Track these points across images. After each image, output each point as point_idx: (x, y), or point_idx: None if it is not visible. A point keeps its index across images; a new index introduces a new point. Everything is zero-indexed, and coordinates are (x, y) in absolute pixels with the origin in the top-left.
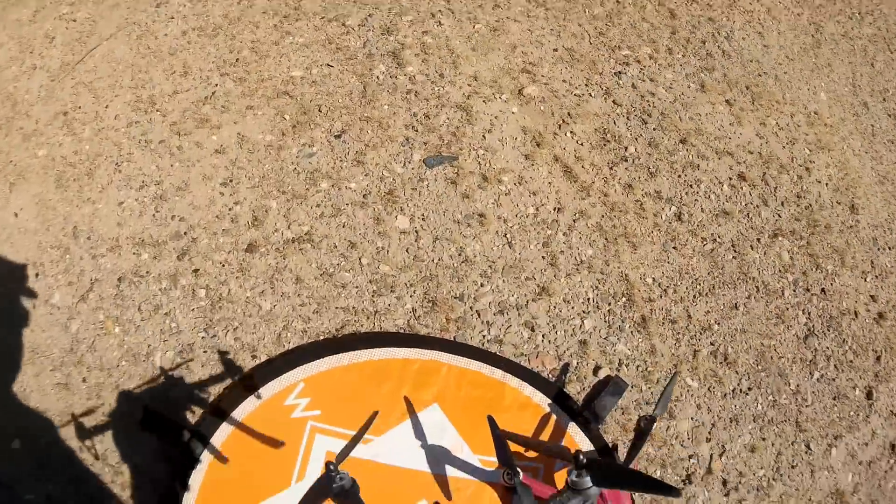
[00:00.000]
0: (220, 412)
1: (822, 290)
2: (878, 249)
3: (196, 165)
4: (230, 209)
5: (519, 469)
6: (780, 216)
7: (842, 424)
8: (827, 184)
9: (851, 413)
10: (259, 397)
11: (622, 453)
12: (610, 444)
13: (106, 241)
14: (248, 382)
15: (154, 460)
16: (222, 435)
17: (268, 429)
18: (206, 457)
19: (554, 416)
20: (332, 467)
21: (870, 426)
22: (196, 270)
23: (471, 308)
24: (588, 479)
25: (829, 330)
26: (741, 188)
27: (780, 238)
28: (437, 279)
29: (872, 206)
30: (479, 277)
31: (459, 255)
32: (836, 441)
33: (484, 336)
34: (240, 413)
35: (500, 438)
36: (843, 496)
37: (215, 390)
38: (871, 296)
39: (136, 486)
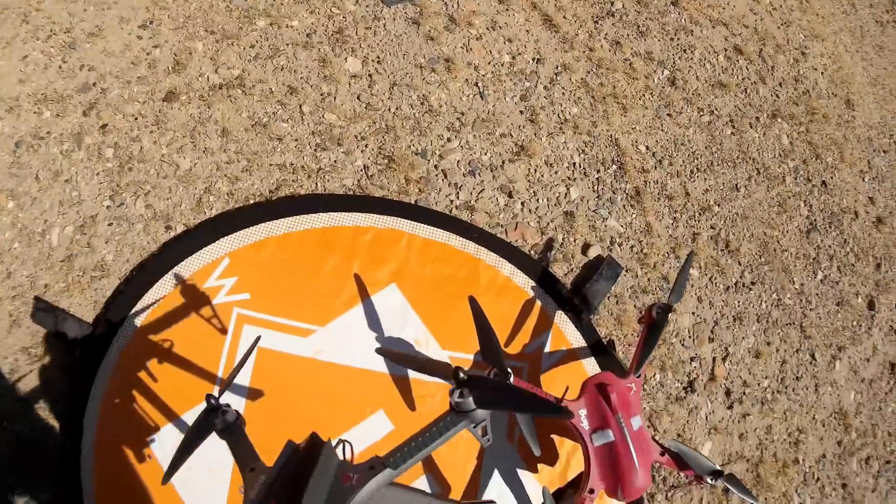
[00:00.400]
0: (126, 301)
1: (823, 182)
2: (874, 151)
3: (112, 8)
4: (148, 54)
5: (510, 370)
6: (778, 97)
7: (845, 335)
8: (823, 73)
9: (854, 323)
10: (174, 280)
11: (621, 352)
12: (605, 340)
13: (4, 102)
14: (159, 262)
15: (54, 364)
16: (129, 330)
17: (184, 320)
18: (110, 359)
19: (538, 303)
20: (213, 400)
21: (871, 340)
22: (104, 126)
23: (435, 167)
24: (472, 399)
25: (830, 227)
26: (737, 61)
27: (779, 120)
28: (394, 131)
29: (866, 106)
30: (445, 131)
31: (422, 103)
32: (840, 353)
33: (452, 201)
34: (149, 301)
35: (488, 328)
36: (846, 417)
37: (121, 272)
38: (869, 197)
39: (36, 389)
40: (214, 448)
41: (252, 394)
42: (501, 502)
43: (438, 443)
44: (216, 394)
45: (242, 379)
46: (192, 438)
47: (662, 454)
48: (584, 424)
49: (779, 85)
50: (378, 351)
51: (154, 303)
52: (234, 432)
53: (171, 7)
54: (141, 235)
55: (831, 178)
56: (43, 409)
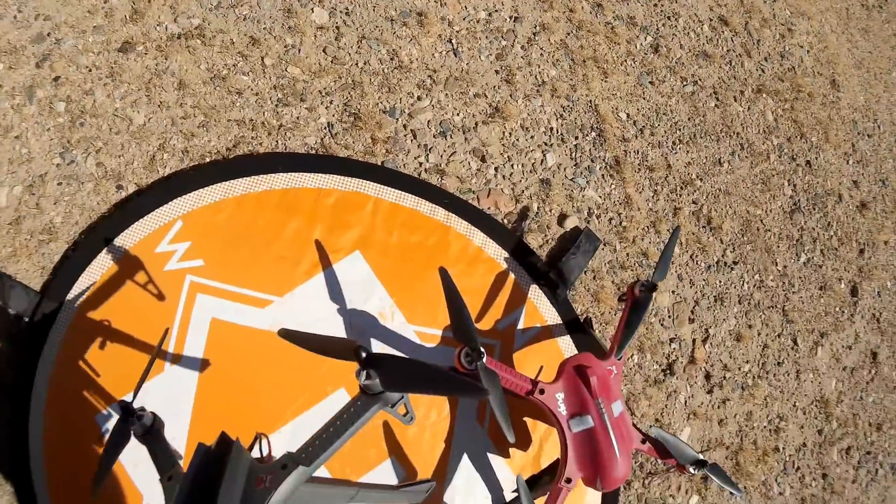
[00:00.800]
0: (73, 268)
1: (808, 162)
2: (859, 134)
3: None
4: (105, 1)
5: (483, 350)
6: (763, 71)
7: (827, 321)
8: (808, 51)
9: (837, 309)
10: (123, 244)
11: (598, 331)
12: (581, 318)
13: None
14: (108, 224)
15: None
16: (76, 299)
17: (134, 288)
18: (57, 330)
19: (512, 276)
20: (126, 406)
21: (854, 327)
22: (57, 78)
23: (404, 126)
24: (375, 381)
25: (814, 208)
26: (723, 32)
27: (764, 95)
28: (361, 87)
29: (851, 88)
30: (415, 89)
31: (391, 59)
32: (822, 339)
33: (421, 164)
34: (97, 268)
35: (459, 302)
36: (827, 405)
37: (70, 236)
38: (853, 181)
39: None
40: (165, 415)
41: (206, 369)
42: (471, 488)
43: (353, 430)
44: (129, 398)
45: (195, 352)
46: (111, 448)
47: (644, 442)
48: (562, 409)
49: (764, 59)
50: (280, 334)
51: (102, 270)
52: (152, 436)
53: None
54: (91, 196)
55: (816, 158)
56: None
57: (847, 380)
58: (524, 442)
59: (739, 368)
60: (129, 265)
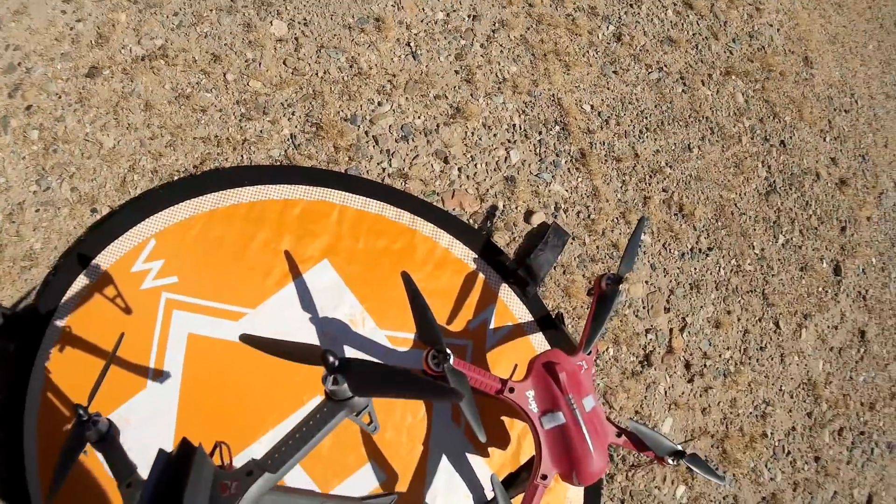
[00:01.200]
0: (54, 292)
1: (782, 142)
2: (835, 110)
3: None
4: (72, 28)
5: (450, 351)
6: (731, 53)
7: (810, 301)
8: (779, 29)
9: (820, 289)
10: (99, 266)
11: (570, 326)
12: (553, 313)
13: None
14: (85, 247)
15: None
16: (59, 322)
17: (113, 308)
18: (43, 352)
19: (481, 275)
20: (81, 411)
21: (839, 307)
22: (29, 107)
23: (366, 133)
24: (346, 386)
25: (791, 189)
26: (688, 16)
27: (733, 77)
28: (322, 97)
29: (825, 64)
30: (375, 94)
31: (351, 66)
32: (806, 321)
33: (384, 169)
34: (76, 290)
35: (423, 305)
36: (815, 387)
37: (50, 261)
38: (831, 158)
39: None
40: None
41: (186, 383)
42: (451, 489)
43: (318, 437)
44: (85, 403)
45: (174, 367)
46: (66, 454)
47: (619, 435)
48: (533, 407)
49: (732, 41)
50: (241, 338)
51: (82, 292)
52: (107, 443)
53: None
54: (67, 220)
55: (790, 137)
56: None
57: (835, 360)
58: (502, 440)
59: (720, 356)
60: (107, 286)
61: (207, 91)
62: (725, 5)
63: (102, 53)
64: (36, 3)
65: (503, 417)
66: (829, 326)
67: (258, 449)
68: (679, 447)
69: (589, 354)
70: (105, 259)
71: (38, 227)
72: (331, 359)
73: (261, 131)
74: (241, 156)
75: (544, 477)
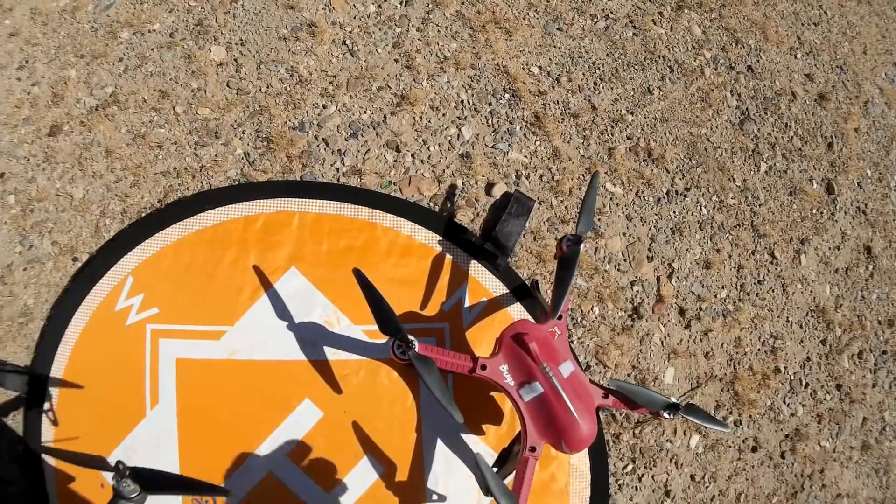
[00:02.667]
0: (50, 342)
1: (749, 67)
2: (802, 25)
3: None
4: (28, 93)
5: (412, 338)
6: None
7: (805, 225)
8: None
9: (814, 211)
10: (86, 311)
11: (547, 292)
12: (528, 282)
13: None
14: (71, 296)
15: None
16: (59, 371)
17: (104, 348)
18: (51, 402)
19: (448, 256)
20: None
21: (838, 226)
22: (2, 175)
23: (315, 137)
24: (135, 486)
25: (766, 113)
26: None
27: (685, 11)
28: (268, 111)
29: None
30: (319, 98)
31: (291, 76)
32: (804, 246)
33: (338, 169)
34: (70, 338)
35: (376, 296)
36: (825, 313)
37: (43, 313)
38: (805, 74)
39: None
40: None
41: (182, 406)
42: (452, 470)
43: None
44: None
45: (168, 392)
46: None
47: (606, 396)
48: (509, 380)
49: None
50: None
51: (74, 337)
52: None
53: (42, 41)
54: (53, 273)
55: (757, 61)
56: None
57: (842, 282)
58: (496, 417)
59: (715, 296)
60: (96, 328)
61: (160, 127)
62: None
63: (60, 111)
64: None
65: (493, 393)
66: (830, 248)
67: (259, 458)
68: (673, 399)
69: (560, 319)
70: (91, 302)
71: (28, 283)
72: (121, 467)
73: (215, 155)
74: (201, 182)
75: (533, 449)
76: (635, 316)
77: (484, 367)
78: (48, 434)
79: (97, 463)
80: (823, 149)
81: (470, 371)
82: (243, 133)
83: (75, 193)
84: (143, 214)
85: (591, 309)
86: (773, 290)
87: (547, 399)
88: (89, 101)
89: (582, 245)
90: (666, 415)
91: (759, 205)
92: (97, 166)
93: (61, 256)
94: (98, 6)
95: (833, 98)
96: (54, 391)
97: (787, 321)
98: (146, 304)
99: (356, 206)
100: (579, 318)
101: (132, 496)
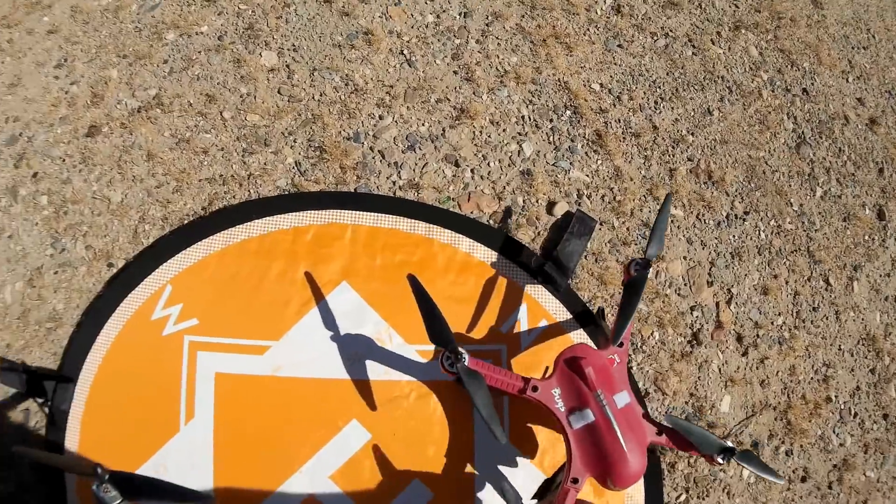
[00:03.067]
0: (80, 348)
1: (804, 90)
2: (853, 48)
3: (27, 54)
4: (66, 92)
5: (463, 350)
6: (737, 6)
7: (858, 252)
8: None
9: (866, 237)
10: (121, 318)
11: (609, 318)
12: (592, 307)
13: None
14: (105, 302)
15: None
16: (88, 378)
17: (138, 358)
18: (77, 409)
19: (507, 276)
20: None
21: (888, 253)
22: (35, 174)
23: (371, 149)
24: (115, 492)
25: (821, 137)
26: None
27: (742, 31)
28: (321, 119)
29: (835, 3)
30: (375, 108)
31: (346, 84)
32: (857, 273)
33: (394, 182)
34: (102, 346)
35: (430, 303)
36: (875, 341)
37: (73, 319)
38: (857, 98)
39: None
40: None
41: (219, 422)
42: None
43: None
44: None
45: (205, 408)
46: None
47: (660, 433)
48: (559, 405)
49: None
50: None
51: (106, 346)
52: None
53: (82, 40)
54: (86, 278)
55: (812, 84)
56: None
57: (892, 310)
58: (554, 448)
59: (772, 323)
60: (129, 337)
61: (206, 132)
62: None
63: (99, 111)
64: (29, 72)
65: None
66: (881, 275)
67: (300, 479)
68: (729, 444)
69: (621, 346)
70: (125, 310)
71: (59, 288)
72: (100, 471)
73: (265, 164)
74: (249, 191)
75: (575, 480)
76: (695, 342)
77: (535, 389)
78: (72, 444)
79: (77, 467)
80: (875, 174)
81: (520, 391)
82: (295, 141)
83: (113, 197)
84: (186, 222)
85: (652, 334)
86: (826, 318)
87: (598, 429)
88: (131, 103)
89: (650, 270)
90: (719, 459)
91: (815, 230)
92: (137, 170)
93: (95, 261)
94: (143, 7)
95: (883, 122)
96: (81, 400)
97: (840, 349)
98: (185, 314)
99: (413, 221)
100: (639, 344)
101: (114, 503)
